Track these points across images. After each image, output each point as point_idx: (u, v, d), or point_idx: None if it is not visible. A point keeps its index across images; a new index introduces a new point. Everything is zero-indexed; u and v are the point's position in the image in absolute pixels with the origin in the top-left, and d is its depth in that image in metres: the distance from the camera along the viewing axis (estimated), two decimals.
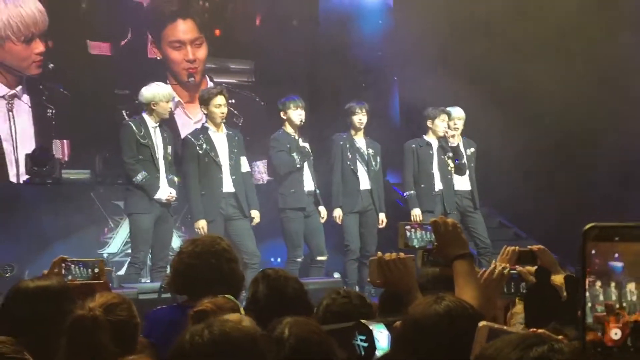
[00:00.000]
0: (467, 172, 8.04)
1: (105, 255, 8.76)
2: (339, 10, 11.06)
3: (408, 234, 2.67)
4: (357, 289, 7.46)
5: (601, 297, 1.25)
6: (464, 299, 2.29)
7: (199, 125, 7.56)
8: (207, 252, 3.28)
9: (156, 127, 6.92)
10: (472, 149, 8.23)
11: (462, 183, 8.12)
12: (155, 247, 7.01)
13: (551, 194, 9.56)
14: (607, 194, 8.96)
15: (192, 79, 9.80)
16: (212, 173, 7.02)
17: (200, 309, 2.77)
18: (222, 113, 7.04)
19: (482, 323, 1.68)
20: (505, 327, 1.71)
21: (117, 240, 9.01)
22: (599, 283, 1.25)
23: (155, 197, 6.84)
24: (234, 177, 7.11)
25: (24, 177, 8.68)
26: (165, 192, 6.89)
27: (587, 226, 1.27)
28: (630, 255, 1.24)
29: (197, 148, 7.00)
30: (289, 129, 7.48)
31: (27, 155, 8.67)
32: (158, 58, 10.01)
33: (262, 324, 2.03)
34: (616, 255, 1.25)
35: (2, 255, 7.98)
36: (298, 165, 7.36)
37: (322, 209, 7.57)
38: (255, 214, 7.19)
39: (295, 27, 10.86)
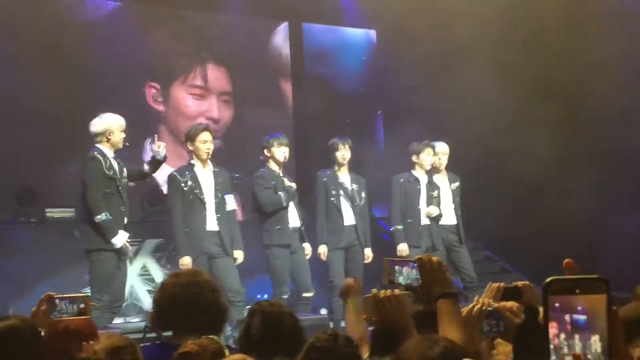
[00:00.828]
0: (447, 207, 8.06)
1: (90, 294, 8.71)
2: (323, 47, 11.16)
3: (394, 270, 2.67)
4: (343, 324, 7.43)
5: (565, 350, 1.24)
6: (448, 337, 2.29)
7: None
8: (190, 283, 3.26)
9: (114, 157, 6.70)
10: (457, 183, 8.26)
11: (448, 217, 8.13)
12: (114, 287, 6.69)
13: (538, 227, 9.59)
14: (594, 227, 9.00)
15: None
16: (196, 210, 6.98)
17: (184, 350, 2.75)
18: (208, 149, 7.03)
19: None
20: None
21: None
22: (563, 335, 1.25)
23: (112, 241, 6.52)
24: (218, 215, 7.04)
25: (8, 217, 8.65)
26: (122, 238, 6.59)
27: (547, 280, 1.27)
28: (592, 308, 1.24)
29: (182, 185, 6.99)
30: (273, 166, 7.48)
31: (14, 195, 8.65)
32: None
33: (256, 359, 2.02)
34: (579, 308, 1.25)
35: None
36: (284, 204, 7.35)
37: (307, 246, 7.55)
38: (239, 254, 7.12)
39: (279, 62, 10.95)
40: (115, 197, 6.62)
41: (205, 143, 7.02)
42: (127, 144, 6.85)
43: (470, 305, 2.64)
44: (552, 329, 1.25)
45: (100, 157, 6.57)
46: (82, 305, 3.19)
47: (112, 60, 9.61)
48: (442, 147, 8.18)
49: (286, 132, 8.26)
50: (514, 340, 2.25)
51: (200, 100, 10.54)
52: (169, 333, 3.33)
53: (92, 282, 6.72)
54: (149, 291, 9.09)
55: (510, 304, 2.68)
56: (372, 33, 11.53)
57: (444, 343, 1.97)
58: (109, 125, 6.65)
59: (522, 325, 2.25)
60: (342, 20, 11.27)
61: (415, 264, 2.59)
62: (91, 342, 2.63)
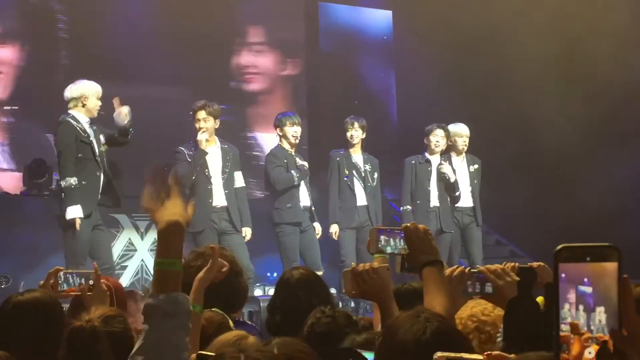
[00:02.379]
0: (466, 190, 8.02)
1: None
2: (340, 26, 11.14)
3: (381, 239, 2.65)
4: (352, 304, 7.45)
5: (569, 320, 1.24)
6: (433, 305, 2.30)
7: None
8: None
9: (89, 122, 6.57)
10: (476, 166, 8.19)
11: (464, 200, 8.10)
12: (102, 254, 6.62)
13: (550, 211, 9.57)
14: (608, 213, 8.95)
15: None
16: (201, 184, 7.03)
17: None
18: (200, 128, 7.03)
19: (438, 354, 1.67)
20: (463, 355, 1.70)
21: (114, 252, 9.01)
22: (567, 306, 1.24)
23: (66, 209, 6.33)
24: (226, 191, 7.09)
25: (21, 189, 8.71)
26: (76, 211, 6.35)
27: (558, 247, 1.26)
28: (600, 278, 1.24)
29: (188, 158, 7.03)
30: (285, 144, 7.49)
31: (25, 168, 8.70)
32: None
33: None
34: (585, 279, 1.24)
35: None
36: (296, 183, 7.37)
37: (317, 225, 7.57)
38: (247, 231, 7.17)
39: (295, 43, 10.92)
40: (90, 162, 6.51)
41: (198, 122, 7.04)
42: (102, 112, 6.72)
43: (452, 268, 2.66)
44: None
45: (73, 122, 6.46)
46: (91, 282, 3.15)
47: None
48: (458, 129, 8.11)
49: (299, 111, 8.26)
50: (505, 315, 2.24)
51: None
52: None
53: (66, 256, 6.47)
54: None
55: (496, 266, 2.67)
56: (389, 14, 11.46)
57: (436, 323, 1.97)
58: (85, 90, 6.54)
59: (515, 299, 2.25)
60: (358, 0, 11.24)
61: (402, 233, 2.58)
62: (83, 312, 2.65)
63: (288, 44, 10.81)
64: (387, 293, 2.68)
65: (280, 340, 1.96)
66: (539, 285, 3.04)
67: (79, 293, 3.10)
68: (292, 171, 7.36)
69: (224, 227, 7.05)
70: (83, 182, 6.44)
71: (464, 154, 8.16)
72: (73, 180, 6.36)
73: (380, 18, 11.43)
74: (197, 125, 7.07)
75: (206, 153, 7.08)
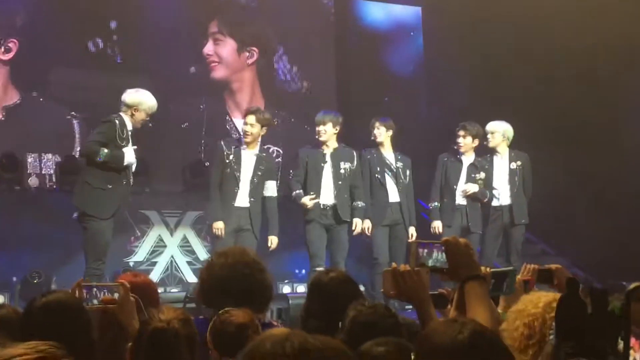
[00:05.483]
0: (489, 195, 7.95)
1: (131, 264, 8.84)
2: (370, 24, 11.13)
3: (422, 252, 2.64)
4: (382, 302, 7.43)
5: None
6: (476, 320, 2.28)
7: None
8: (238, 263, 3.26)
9: (131, 132, 6.60)
10: (519, 162, 8.05)
11: (503, 198, 8.03)
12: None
13: (581, 210, 9.49)
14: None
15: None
16: (230, 185, 7.04)
17: (223, 319, 2.79)
18: (246, 132, 7.05)
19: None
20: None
21: (144, 248, 9.10)
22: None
23: (125, 162, 6.43)
24: (252, 198, 7.06)
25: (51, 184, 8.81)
26: (130, 152, 6.48)
27: (632, 286, 1.25)
28: None
29: (225, 156, 7.07)
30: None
31: (57, 163, 8.79)
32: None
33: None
34: None
35: (31, 261, 8.08)
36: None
37: (358, 220, 7.48)
38: (274, 240, 7.11)
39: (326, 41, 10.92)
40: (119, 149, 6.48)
41: (246, 125, 7.05)
42: (150, 124, 6.77)
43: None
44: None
45: (118, 123, 6.49)
46: (116, 295, 3.02)
47: None
48: (494, 126, 8.00)
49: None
50: (556, 313, 2.21)
51: None
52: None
53: (87, 252, 6.46)
54: (188, 262, 9.21)
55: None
56: (418, 10, 11.43)
57: (472, 326, 1.94)
58: (140, 103, 6.58)
59: (565, 297, 2.22)
60: None
61: (442, 247, 2.57)
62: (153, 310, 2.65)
63: (316, 45, 10.81)
64: (426, 296, 2.66)
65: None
66: (555, 286, 3.07)
67: (112, 305, 2.98)
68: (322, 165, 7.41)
69: (241, 224, 7.04)
70: (109, 186, 6.47)
71: (506, 150, 8.06)
72: (108, 150, 6.36)
73: (408, 14, 11.41)
74: (243, 128, 7.09)
75: (240, 155, 7.07)
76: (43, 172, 9.09)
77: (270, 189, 7.19)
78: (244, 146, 7.08)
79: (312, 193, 7.31)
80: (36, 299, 2.88)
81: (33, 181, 9.04)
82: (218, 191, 7.03)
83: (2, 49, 9.20)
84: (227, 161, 7.04)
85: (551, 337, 2.30)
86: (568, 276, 3.12)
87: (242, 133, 7.13)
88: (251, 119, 7.03)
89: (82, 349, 2.56)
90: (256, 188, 7.08)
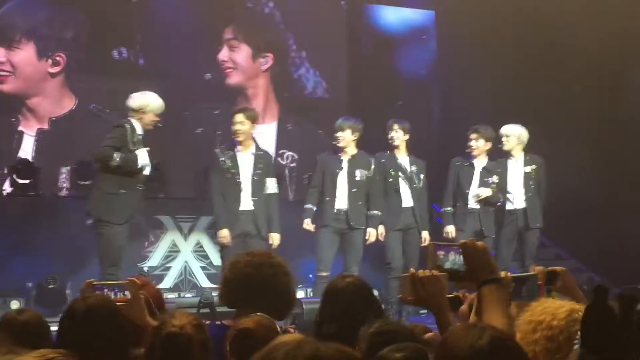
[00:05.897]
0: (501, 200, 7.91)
1: (145, 269, 8.86)
2: (383, 28, 11.12)
3: (439, 254, 2.63)
4: (394, 307, 7.42)
5: None
6: (492, 324, 2.26)
7: None
8: (264, 263, 3.24)
9: (141, 135, 6.65)
10: (534, 166, 8.03)
11: (517, 201, 8.00)
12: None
13: (596, 214, 9.45)
14: None
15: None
16: (232, 190, 7.06)
17: (243, 327, 2.77)
18: (238, 131, 7.04)
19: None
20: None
21: (158, 253, 9.11)
22: None
23: (139, 165, 6.50)
24: (255, 198, 7.08)
25: (65, 191, 8.83)
26: (144, 153, 6.55)
27: None
28: None
29: (222, 162, 7.08)
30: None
31: (71, 169, 8.81)
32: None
33: None
34: None
35: (46, 267, 8.10)
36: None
37: (372, 231, 7.49)
38: (275, 237, 7.13)
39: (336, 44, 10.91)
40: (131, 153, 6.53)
41: (235, 125, 7.05)
42: (160, 125, 6.80)
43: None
44: None
45: (129, 127, 6.54)
46: (126, 293, 3.05)
47: None
48: (509, 129, 7.96)
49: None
50: (583, 322, 2.18)
51: None
52: (224, 308, 3.32)
53: (102, 258, 6.53)
54: (202, 267, 9.21)
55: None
56: (431, 14, 11.41)
57: (491, 332, 1.93)
58: (145, 105, 6.62)
59: (592, 305, 2.18)
60: (401, 1, 11.21)
61: (460, 249, 2.56)
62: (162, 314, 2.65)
63: (329, 50, 10.80)
64: (445, 301, 2.65)
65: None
66: (560, 289, 3.05)
67: (123, 303, 3.00)
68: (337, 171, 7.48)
69: (249, 230, 7.05)
70: (123, 191, 6.50)
71: (521, 154, 8.02)
72: (121, 153, 6.42)
73: (421, 17, 11.39)
74: (233, 128, 7.09)
75: (236, 159, 7.09)
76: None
77: (271, 186, 7.24)
78: (239, 148, 7.10)
79: (327, 198, 7.37)
80: (77, 302, 2.85)
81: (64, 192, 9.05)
82: (220, 198, 7.06)
83: (50, 62, 9.28)
84: (225, 167, 7.06)
85: (576, 346, 2.26)
86: (571, 279, 3.10)
87: (233, 133, 7.11)
88: (240, 117, 7.04)
89: (119, 355, 2.57)
90: (257, 187, 7.11)
